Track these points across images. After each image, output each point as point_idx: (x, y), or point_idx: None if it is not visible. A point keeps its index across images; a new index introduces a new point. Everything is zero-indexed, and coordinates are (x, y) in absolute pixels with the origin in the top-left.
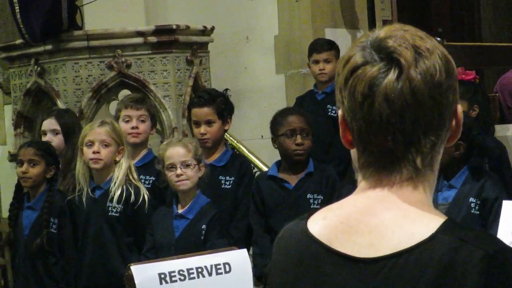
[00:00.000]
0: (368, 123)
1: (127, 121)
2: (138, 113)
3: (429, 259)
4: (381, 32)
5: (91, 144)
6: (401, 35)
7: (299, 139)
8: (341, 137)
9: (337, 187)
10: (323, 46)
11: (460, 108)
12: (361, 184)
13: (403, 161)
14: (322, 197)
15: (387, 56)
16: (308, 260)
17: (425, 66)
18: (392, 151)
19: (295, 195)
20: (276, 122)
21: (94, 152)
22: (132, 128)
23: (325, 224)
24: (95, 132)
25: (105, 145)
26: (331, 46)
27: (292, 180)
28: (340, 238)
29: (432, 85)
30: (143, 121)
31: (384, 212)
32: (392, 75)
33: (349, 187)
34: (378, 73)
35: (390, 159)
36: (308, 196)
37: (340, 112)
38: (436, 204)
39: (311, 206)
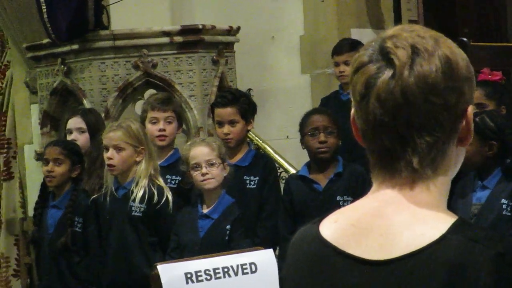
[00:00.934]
0: (365, 122)
1: (154, 123)
2: (165, 114)
3: (440, 260)
4: (389, 31)
5: (106, 149)
6: (403, 35)
7: (321, 137)
8: (355, 136)
9: (367, 187)
10: (342, 48)
11: (470, 110)
12: (373, 185)
13: (401, 161)
14: (351, 199)
15: (385, 56)
16: (320, 264)
17: (420, 67)
18: (390, 151)
19: (324, 197)
20: (302, 122)
21: (108, 158)
22: (159, 130)
23: (337, 227)
24: (108, 137)
25: (119, 150)
26: (352, 47)
27: (322, 181)
28: (351, 241)
29: (426, 85)
30: (169, 123)
31: (394, 214)
32: (386, 75)
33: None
34: (374, 73)
35: (389, 159)
36: (338, 198)
37: (352, 111)
38: (469, 204)
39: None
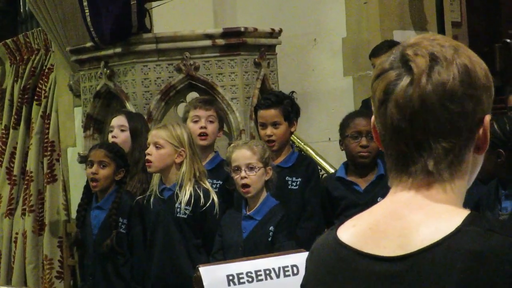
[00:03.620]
0: (384, 127)
1: (196, 121)
2: (207, 113)
3: (458, 249)
4: (410, 40)
5: (148, 146)
6: (424, 44)
7: (364, 141)
8: (375, 141)
9: None
10: (379, 50)
11: (488, 118)
12: (391, 188)
13: (417, 164)
14: None
15: (404, 63)
16: (340, 266)
17: (437, 74)
18: (406, 155)
19: (366, 198)
20: (343, 124)
21: (147, 154)
22: (201, 128)
23: (355, 231)
24: (151, 134)
25: (158, 147)
26: (390, 49)
27: (361, 182)
28: (369, 243)
29: (443, 93)
30: (211, 122)
31: (410, 214)
32: (404, 82)
33: None
34: (394, 79)
35: (405, 163)
36: (379, 199)
37: (373, 118)
38: (497, 215)
39: None
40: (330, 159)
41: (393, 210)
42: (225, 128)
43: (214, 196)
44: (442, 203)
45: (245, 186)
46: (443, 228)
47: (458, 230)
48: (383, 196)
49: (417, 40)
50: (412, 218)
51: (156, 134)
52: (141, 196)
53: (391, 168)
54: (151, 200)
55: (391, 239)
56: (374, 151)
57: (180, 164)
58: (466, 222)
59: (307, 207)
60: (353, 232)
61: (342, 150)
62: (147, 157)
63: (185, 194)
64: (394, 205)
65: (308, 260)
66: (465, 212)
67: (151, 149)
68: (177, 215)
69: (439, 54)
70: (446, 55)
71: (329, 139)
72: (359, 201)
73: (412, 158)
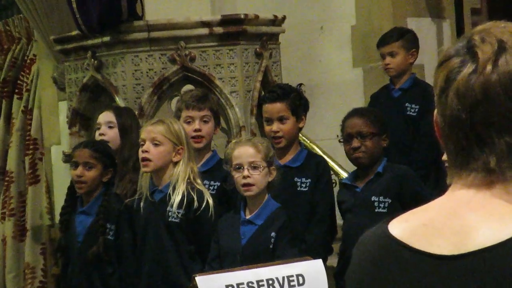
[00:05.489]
0: (443, 118)
1: (189, 122)
2: (201, 113)
3: None
4: (480, 26)
5: (143, 143)
6: (493, 30)
7: (355, 143)
8: (437, 135)
9: (410, 188)
10: (387, 38)
11: None
12: (451, 186)
13: (478, 161)
14: (389, 201)
15: (470, 49)
16: (388, 260)
17: (505, 63)
18: (466, 149)
19: (361, 197)
20: (341, 126)
21: (143, 151)
22: (195, 130)
23: (407, 226)
24: (147, 130)
25: (156, 144)
26: (399, 37)
27: (361, 183)
28: (422, 240)
29: (510, 83)
30: (206, 122)
31: (469, 213)
32: (467, 69)
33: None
34: (457, 66)
35: (465, 159)
36: (373, 198)
37: (435, 111)
38: None
39: (376, 210)
40: (338, 158)
41: (451, 208)
42: (223, 124)
43: (208, 198)
44: (504, 204)
45: (247, 185)
46: (507, 229)
47: None
48: (378, 195)
49: (486, 26)
50: (471, 218)
51: (153, 130)
52: (130, 199)
53: (450, 163)
54: (141, 203)
55: (446, 237)
56: (370, 150)
57: (176, 163)
58: None
59: (317, 210)
60: (405, 227)
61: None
62: (144, 155)
63: (177, 196)
64: (452, 203)
65: (354, 251)
66: None
67: (148, 146)
68: (169, 220)
69: (508, 42)
70: None
71: (337, 136)
72: (355, 202)
73: (472, 153)
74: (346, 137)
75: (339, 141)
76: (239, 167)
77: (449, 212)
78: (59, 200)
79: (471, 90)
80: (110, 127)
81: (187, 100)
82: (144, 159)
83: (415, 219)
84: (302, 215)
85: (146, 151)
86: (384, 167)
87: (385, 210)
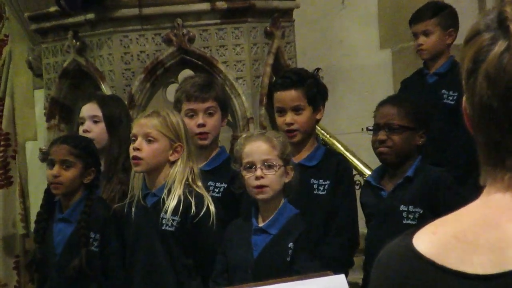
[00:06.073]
0: (472, 106)
1: (191, 116)
2: (205, 105)
3: None
4: None
5: (134, 138)
6: None
7: (381, 135)
8: (467, 126)
9: (445, 197)
10: (421, 14)
11: None
12: (485, 188)
13: None
14: (421, 211)
15: (501, 23)
16: (414, 281)
17: None
18: (500, 144)
19: (387, 205)
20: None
21: (135, 149)
22: (199, 125)
23: (435, 239)
24: (139, 124)
25: (149, 140)
26: (434, 13)
27: (388, 186)
28: (453, 256)
29: None
30: (211, 114)
31: (508, 223)
32: (499, 47)
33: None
34: (486, 44)
35: (500, 155)
36: (402, 207)
37: (464, 98)
38: None
39: (404, 222)
40: (363, 156)
41: (486, 216)
42: (229, 117)
43: (209, 203)
44: None
45: (260, 187)
46: None
47: None
48: (408, 203)
49: None
50: (510, 229)
51: (146, 124)
52: (119, 204)
53: (483, 161)
54: (133, 209)
55: (482, 252)
56: (398, 147)
57: (173, 162)
58: None
59: (338, 218)
60: (432, 240)
61: None
62: (135, 153)
63: (173, 201)
64: (487, 210)
65: (374, 270)
66: None
67: (140, 143)
68: (163, 228)
69: None
70: None
71: (362, 129)
72: (380, 209)
73: (507, 148)
74: (375, 127)
75: (368, 129)
76: (251, 166)
77: (484, 222)
78: (35, 205)
79: (503, 72)
80: (96, 122)
81: (187, 89)
82: (135, 158)
83: (444, 231)
84: (319, 224)
85: (138, 149)
86: (415, 170)
87: (414, 222)
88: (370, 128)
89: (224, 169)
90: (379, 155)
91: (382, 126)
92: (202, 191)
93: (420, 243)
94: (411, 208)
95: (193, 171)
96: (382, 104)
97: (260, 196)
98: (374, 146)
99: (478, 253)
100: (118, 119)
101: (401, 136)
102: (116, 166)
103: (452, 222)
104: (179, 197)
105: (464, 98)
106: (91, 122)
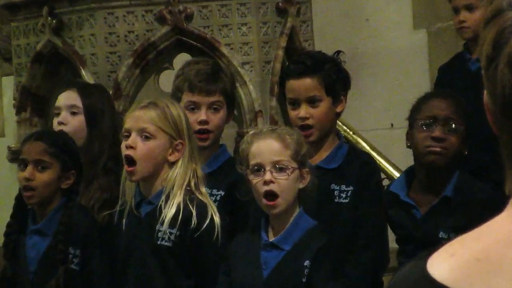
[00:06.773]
0: (493, 98)
1: (192, 109)
2: (210, 99)
3: None
4: None
5: (127, 134)
6: None
7: (438, 131)
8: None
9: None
10: None
11: None
12: (510, 198)
13: None
14: None
15: None
16: None
17: None
18: None
19: (423, 230)
20: (414, 107)
21: (128, 147)
22: (200, 122)
23: (454, 263)
24: (133, 117)
25: (146, 137)
26: None
27: (423, 203)
28: (475, 282)
29: None
30: (216, 110)
31: None
32: None
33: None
34: (509, 24)
35: None
36: (441, 235)
37: (485, 91)
38: None
39: None
40: (392, 156)
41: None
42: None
43: (214, 214)
44: None
45: (271, 195)
46: None
47: None
48: (448, 230)
49: None
50: None
51: (142, 117)
52: (107, 212)
53: (508, 165)
54: (124, 219)
55: (508, 275)
56: (454, 150)
57: (173, 163)
58: None
59: (362, 231)
60: (451, 264)
61: (407, 147)
62: (128, 151)
63: (170, 210)
64: None
65: None
66: None
67: (134, 140)
68: (158, 243)
69: None
70: None
71: (392, 125)
72: (417, 234)
73: None
74: (427, 121)
75: (406, 135)
76: (259, 169)
77: (509, 239)
78: (3, 215)
79: None
80: (74, 113)
81: (191, 78)
82: (129, 160)
83: (464, 252)
84: (341, 237)
85: (132, 147)
86: (455, 188)
87: None
88: (423, 122)
89: (223, 173)
90: (428, 155)
91: (440, 121)
92: (206, 199)
93: (437, 269)
94: (451, 234)
95: (196, 174)
96: (430, 97)
97: (270, 210)
98: (424, 144)
99: (504, 275)
100: (100, 111)
101: (459, 139)
102: (96, 168)
103: (473, 241)
104: (178, 205)
105: (485, 92)
106: (68, 113)
